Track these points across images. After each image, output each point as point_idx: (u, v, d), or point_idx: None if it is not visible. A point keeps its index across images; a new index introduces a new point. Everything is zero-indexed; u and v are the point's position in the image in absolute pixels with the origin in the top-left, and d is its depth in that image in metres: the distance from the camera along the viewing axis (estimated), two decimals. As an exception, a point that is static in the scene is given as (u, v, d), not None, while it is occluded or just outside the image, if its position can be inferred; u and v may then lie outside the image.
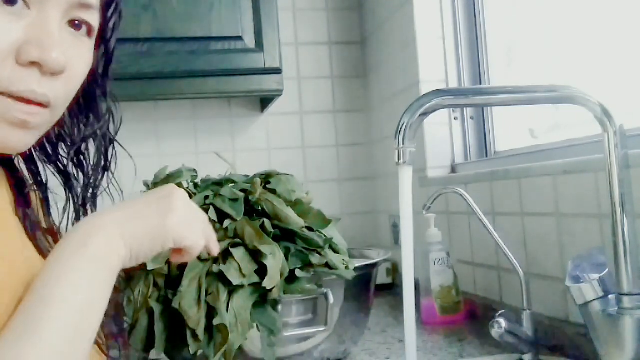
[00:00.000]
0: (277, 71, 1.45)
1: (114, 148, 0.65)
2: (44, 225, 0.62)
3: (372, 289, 1.06)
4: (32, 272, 0.51)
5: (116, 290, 0.62)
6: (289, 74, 1.75)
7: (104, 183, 0.65)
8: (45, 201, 0.63)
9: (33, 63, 0.50)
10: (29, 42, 0.49)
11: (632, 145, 0.75)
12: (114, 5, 0.60)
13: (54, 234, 0.62)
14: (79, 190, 0.63)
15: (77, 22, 0.54)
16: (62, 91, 0.53)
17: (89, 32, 0.56)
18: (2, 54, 0.48)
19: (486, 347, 1.04)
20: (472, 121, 1.42)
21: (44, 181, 0.64)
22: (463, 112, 1.41)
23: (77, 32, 0.54)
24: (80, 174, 0.64)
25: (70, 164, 0.63)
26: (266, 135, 1.79)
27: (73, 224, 0.61)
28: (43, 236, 0.59)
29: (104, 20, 0.59)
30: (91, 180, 0.63)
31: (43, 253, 0.57)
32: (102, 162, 0.64)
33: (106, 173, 0.64)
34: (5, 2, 0.49)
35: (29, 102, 0.50)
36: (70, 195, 0.63)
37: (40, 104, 0.51)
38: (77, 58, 0.54)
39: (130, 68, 1.34)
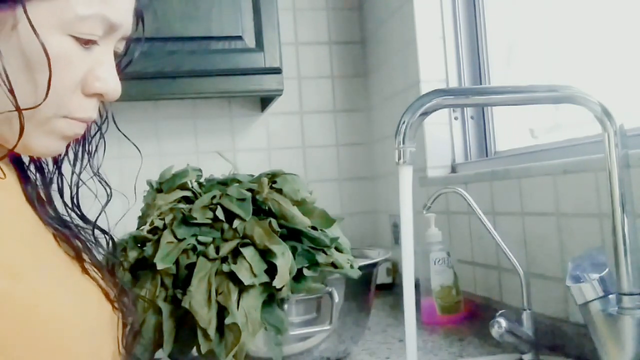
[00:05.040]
0: (277, 71, 1.45)
1: (101, 137, 0.67)
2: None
3: (372, 289, 1.06)
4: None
5: (123, 290, 0.62)
6: (289, 74, 1.75)
7: (91, 171, 0.66)
8: (46, 189, 0.65)
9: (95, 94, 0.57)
10: (93, 76, 0.56)
11: (632, 145, 0.76)
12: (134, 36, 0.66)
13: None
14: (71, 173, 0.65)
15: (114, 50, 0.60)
16: None
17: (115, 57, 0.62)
18: (76, 85, 0.55)
19: (486, 347, 1.04)
20: (472, 121, 1.42)
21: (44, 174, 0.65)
22: (463, 111, 1.41)
23: None
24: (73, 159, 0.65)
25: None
26: (266, 135, 1.79)
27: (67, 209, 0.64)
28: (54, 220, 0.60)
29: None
30: (75, 168, 0.65)
31: (55, 238, 0.58)
32: (88, 151, 0.65)
33: (90, 161, 0.65)
34: (84, 45, 0.55)
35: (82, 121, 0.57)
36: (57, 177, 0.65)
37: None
38: None
39: (130, 68, 1.33)
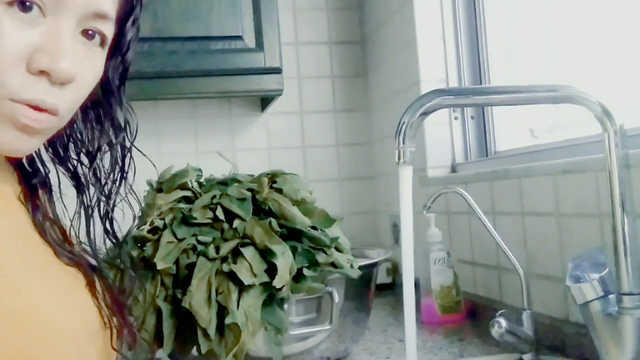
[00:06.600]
0: (277, 71, 1.45)
1: (131, 157, 0.65)
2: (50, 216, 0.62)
3: (372, 289, 1.06)
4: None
5: (123, 290, 0.62)
6: (289, 74, 1.75)
7: (122, 192, 0.64)
8: (49, 195, 0.63)
9: (43, 72, 0.50)
10: (41, 51, 0.49)
11: (632, 145, 0.76)
12: (131, 18, 0.60)
13: (60, 227, 0.62)
14: (92, 195, 0.62)
15: (90, 31, 0.54)
16: (70, 100, 0.53)
17: (102, 43, 0.56)
18: (15, 60, 0.48)
19: (486, 347, 1.04)
20: (472, 121, 1.42)
21: (48, 178, 0.64)
22: (463, 111, 1.41)
23: (90, 41, 0.54)
24: (95, 180, 0.63)
25: (83, 167, 0.63)
26: (266, 135, 1.79)
27: (87, 229, 0.61)
28: (50, 227, 0.59)
29: (120, 32, 0.59)
30: (108, 190, 0.63)
31: (49, 243, 0.58)
32: (119, 172, 0.63)
33: (123, 182, 0.63)
34: (21, 8, 0.49)
35: (37, 109, 0.50)
36: (81, 198, 0.62)
37: (47, 111, 0.51)
38: (87, 68, 0.54)
39: (130, 68, 1.34)
